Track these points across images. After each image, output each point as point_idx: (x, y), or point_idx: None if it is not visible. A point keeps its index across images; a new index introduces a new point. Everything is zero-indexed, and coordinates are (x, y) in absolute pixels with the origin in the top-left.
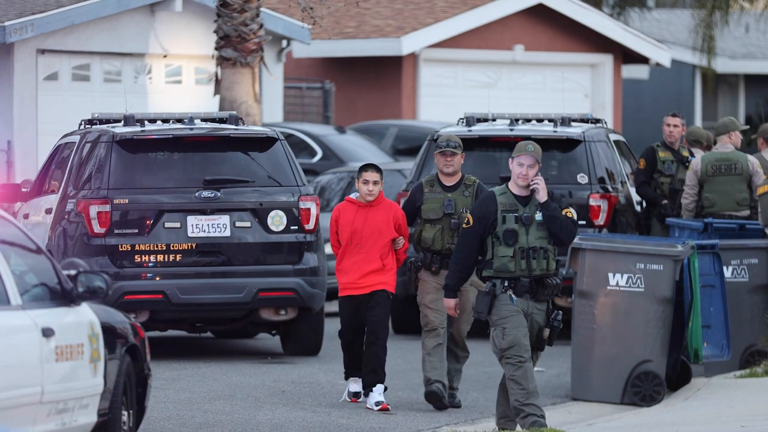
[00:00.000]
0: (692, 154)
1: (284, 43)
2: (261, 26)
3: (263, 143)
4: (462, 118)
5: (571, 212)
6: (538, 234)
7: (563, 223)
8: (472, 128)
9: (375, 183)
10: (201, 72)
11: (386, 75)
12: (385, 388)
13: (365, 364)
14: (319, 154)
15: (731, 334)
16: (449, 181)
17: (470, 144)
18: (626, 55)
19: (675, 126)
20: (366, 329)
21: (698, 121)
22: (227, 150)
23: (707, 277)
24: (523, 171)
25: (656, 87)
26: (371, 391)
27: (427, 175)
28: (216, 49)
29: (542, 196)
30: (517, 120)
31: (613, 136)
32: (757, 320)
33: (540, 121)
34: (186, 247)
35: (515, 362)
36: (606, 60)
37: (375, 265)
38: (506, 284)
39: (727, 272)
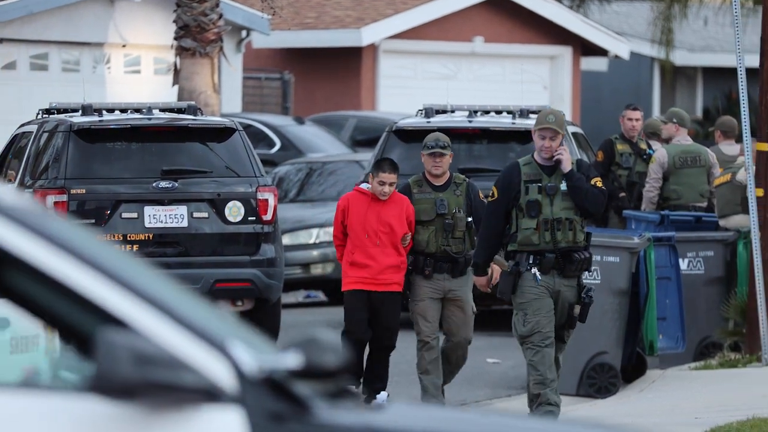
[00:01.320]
0: (650, 147)
1: (244, 33)
2: (220, 16)
3: (221, 134)
4: (421, 110)
5: (600, 182)
6: (563, 205)
7: (589, 192)
8: (431, 120)
9: (391, 185)
10: (160, 62)
11: (346, 66)
12: (388, 395)
13: (373, 368)
14: (278, 145)
15: (686, 327)
16: (438, 181)
17: (427, 134)
18: (585, 48)
19: (636, 120)
20: (377, 333)
21: (656, 114)
22: (185, 140)
23: (663, 269)
24: (546, 143)
25: (615, 79)
26: (374, 397)
27: (414, 175)
28: (175, 39)
29: (566, 165)
30: (476, 112)
31: (571, 128)
32: (712, 312)
33: (499, 112)
34: (143, 238)
35: (535, 348)
36: (565, 52)
37: (393, 260)
38: (531, 260)
39: (683, 264)
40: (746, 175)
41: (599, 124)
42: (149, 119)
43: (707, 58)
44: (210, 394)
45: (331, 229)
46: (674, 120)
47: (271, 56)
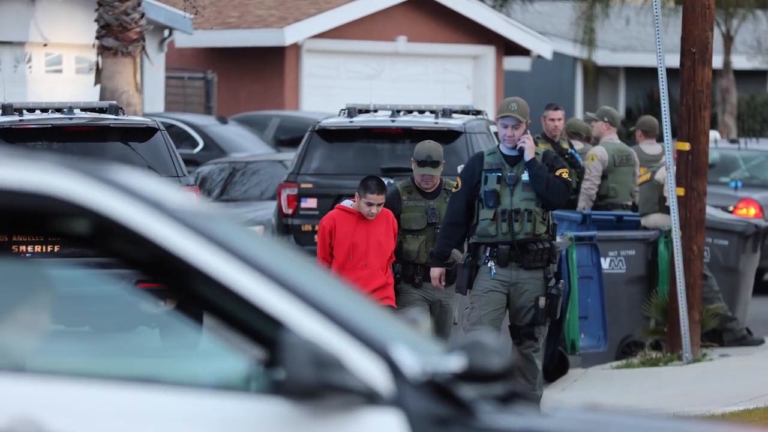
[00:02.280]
0: (572, 146)
1: (166, 32)
2: (143, 15)
3: (143, 133)
4: (344, 109)
5: (566, 173)
6: (524, 195)
7: (551, 183)
8: (354, 119)
9: (379, 205)
10: (82, 61)
11: (269, 65)
12: None
13: None
14: (201, 145)
15: (608, 325)
16: (430, 188)
17: (352, 135)
18: (508, 47)
19: (558, 119)
20: None
21: (579, 113)
22: (107, 140)
23: (585, 268)
24: (508, 132)
25: (538, 79)
26: None
27: (403, 180)
28: (97, 38)
29: (529, 153)
30: (398, 111)
31: (493, 128)
32: (633, 311)
33: (421, 112)
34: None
35: None
36: (488, 52)
37: (379, 281)
38: (487, 253)
39: (605, 263)
40: (665, 174)
41: None
42: (70, 119)
43: (629, 58)
44: (372, 396)
45: (257, 228)
46: (605, 119)
47: (194, 56)
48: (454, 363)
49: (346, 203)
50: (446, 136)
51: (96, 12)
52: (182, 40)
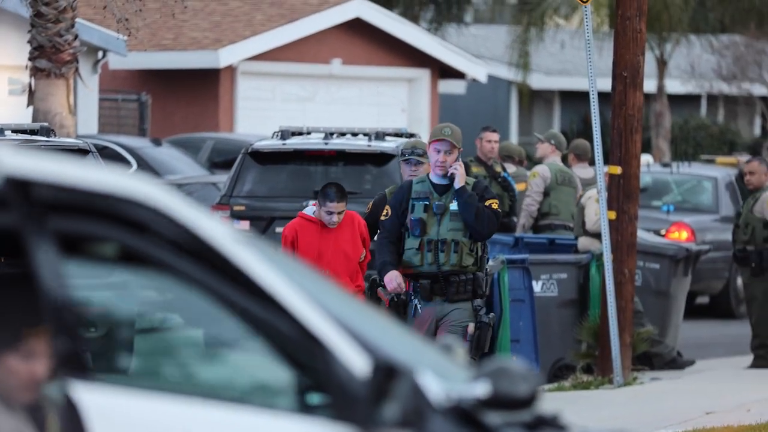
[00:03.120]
0: (504, 169)
1: (100, 54)
2: (76, 37)
3: (74, 155)
4: (277, 132)
5: (496, 204)
6: (452, 225)
7: (480, 213)
8: (287, 142)
9: (340, 214)
10: (15, 83)
11: (204, 87)
12: None
13: None
14: (134, 167)
15: (540, 349)
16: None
17: (285, 157)
18: (443, 70)
19: (495, 142)
20: None
21: (514, 137)
22: None
23: (517, 291)
24: (440, 158)
25: (473, 102)
26: None
27: (392, 185)
28: (30, 59)
29: (459, 181)
30: (331, 134)
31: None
32: (565, 335)
33: (355, 135)
34: None
35: None
36: (423, 75)
37: (348, 290)
38: (411, 288)
39: (537, 287)
40: (588, 197)
41: None
42: (1, 141)
43: (564, 82)
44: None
45: None
46: (552, 141)
47: (128, 77)
48: (480, 389)
49: (308, 210)
50: (379, 159)
51: (29, 33)
52: (116, 61)
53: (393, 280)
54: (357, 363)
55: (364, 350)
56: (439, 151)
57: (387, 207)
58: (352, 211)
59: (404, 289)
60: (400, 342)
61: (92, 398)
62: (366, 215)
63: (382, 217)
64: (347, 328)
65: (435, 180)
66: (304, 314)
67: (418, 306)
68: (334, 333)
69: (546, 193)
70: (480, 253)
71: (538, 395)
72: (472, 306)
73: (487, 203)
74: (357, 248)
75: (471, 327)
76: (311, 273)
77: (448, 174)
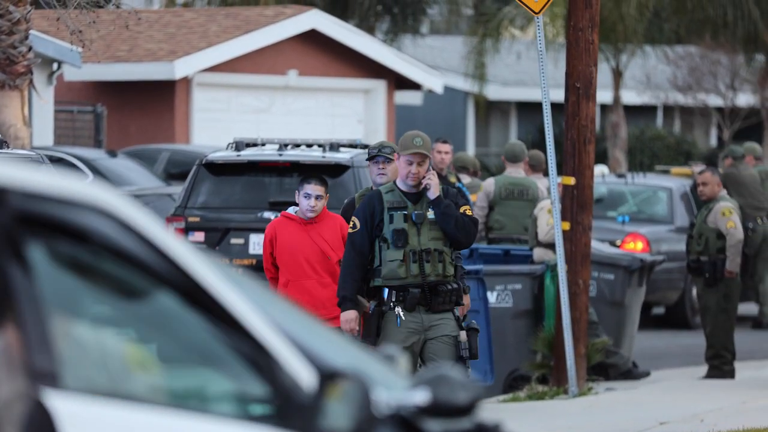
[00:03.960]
0: (459, 180)
1: (55, 66)
2: (30, 49)
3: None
4: (231, 143)
5: (470, 210)
6: (432, 234)
7: (459, 221)
8: (241, 153)
9: (318, 198)
10: None
11: (159, 99)
12: None
13: None
14: (90, 179)
15: (495, 359)
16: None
17: (239, 169)
18: (399, 81)
19: (446, 153)
20: None
21: (470, 147)
22: None
23: (472, 302)
24: (413, 169)
25: (429, 113)
26: None
27: (362, 189)
28: None
29: (434, 191)
30: (286, 145)
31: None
32: (520, 345)
33: (309, 146)
34: None
35: None
36: (379, 86)
37: (331, 291)
38: (394, 297)
39: (492, 297)
40: (539, 208)
41: None
42: None
43: (520, 93)
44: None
45: None
46: (504, 155)
47: (83, 89)
48: (419, 397)
49: (291, 210)
50: (334, 170)
51: None
52: (71, 73)
53: (348, 322)
54: (301, 372)
55: (307, 359)
56: (411, 163)
57: (354, 219)
58: (338, 215)
59: (357, 333)
60: (341, 350)
61: (64, 406)
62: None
63: (350, 230)
64: (290, 337)
65: (404, 188)
66: (252, 326)
67: (401, 315)
68: (278, 342)
69: (491, 207)
70: (456, 263)
71: (478, 403)
72: (454, 315)
73: (461, 210)
74: (338, 249)
75: (463, 335)
76: (259, 287)
77: (423, 185)
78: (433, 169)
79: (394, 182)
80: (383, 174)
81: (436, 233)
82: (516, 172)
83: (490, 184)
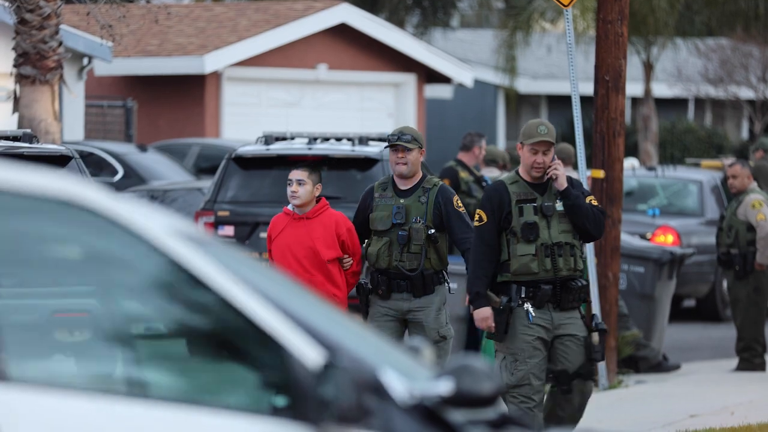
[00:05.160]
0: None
1: (85, 60)
2: (60, 43)
3: (57, 161)
4: (260, 137)
5: (595, 201)
6: (562, 227)
7: (589, 212)
8: (271, 147)
9: (300, 183)
10: (0, 89)
11: (189, 93)
12: None
13: None
14: (120, 173)
15: None
16: (405, 184)
17: (268, 163)
18: (430, 75)
19: (483, 147)
20: None
21: (501, 141)
22: None
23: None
24: (539, 159)
25: (460, 106)
26: None
27: (383, 177)
28: (14, 66)
29: (562, 182)
30: (315, 139)
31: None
32: None
33: (338, 140)
34: None
35: (525, 402)
36: (409, 79)
37: (323, 290)
38: (523, 293)
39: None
40: None
41: (444, 152)
42: None
43: (551, 86)
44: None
45: None
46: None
47: (114, 83)
48: (443, 387)
49: (290, 205)
50: (363, 164)
51: (13, 40)
52: (102, 68)
53: (485, 319)
54: (314, 362)
55: (326, 350)
56: (536, 152)
57: (479, 212)
58: (338, 212)
59: (493, 330)
60: (364, 342)
61: (4, 396)
62: (356, 211)
63: (476, 223)
64: (306, 327)
65: (529, 179)
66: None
67: (531, 311)
68: (290, 331)
69: None
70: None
71: (500, 394)
72: (580, 314)
73: (587, 200)
74: (329, 248)
75: (595, 337)
76: (274, 274)
77: (549, 175)
78: (466, 163)
79: (517, 172)
80: (403, 163)
81: (565, 226)
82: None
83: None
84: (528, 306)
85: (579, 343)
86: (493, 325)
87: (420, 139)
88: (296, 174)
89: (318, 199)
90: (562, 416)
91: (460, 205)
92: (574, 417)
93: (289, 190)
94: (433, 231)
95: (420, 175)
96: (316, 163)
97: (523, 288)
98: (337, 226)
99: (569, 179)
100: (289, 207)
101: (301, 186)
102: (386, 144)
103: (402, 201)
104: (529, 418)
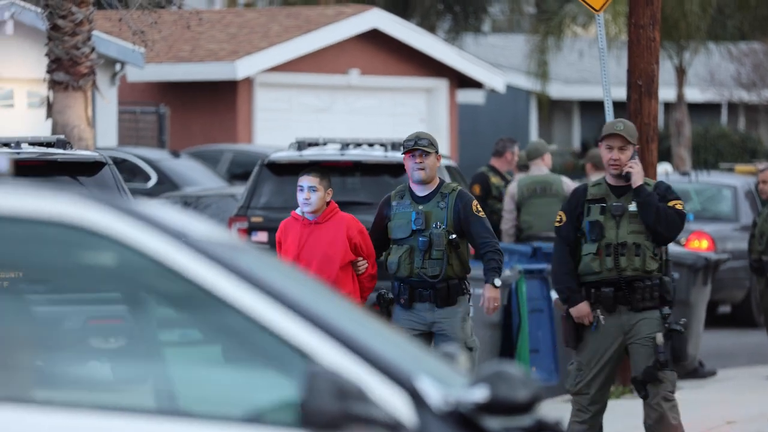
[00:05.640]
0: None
1: (118, 66)
2: (93, 50)
3: (91, 168)
4: (293, 143)
5: (681, 205)
6: (632, 228)
7: (661, 213)
8: (303, 152)
9: (312, 189)
10: (33, 96)
11: (221, 99)
12: None
13: None
14: (154, 179)
15: (560, 358)
16: (423, 190)
17: (301, 168)
18: (461, 80)
19: (516, 153)
20: None
21: None
22: (55, 174)
23: (535, 301)
24: (614, 156)
25: (492, 112)
26: None
27: (400, 184)
28: (48, 72)
29: (636, 180)
30: (347, 144)
31: (443, 161)
32: None
33: (371, 145)
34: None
35: (581, 412)
36: (441, 85)
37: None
38: (593, 299)
39: (556, 296)
40: None
41: (477, 157)
42: (18, 153)
43: (583, 91)
44: (395, 427)
45: None
46: (526, 155)
47: (146, 89)
48: (478, 394)
49: (298, 210)
50: (396, 169)
51: (46, 46)
52: (134, 74)
53: (587, 315)
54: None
55: (362, 359)
56: (611, 149)
57: (560, 213)
58: (348, 215)
59: (591, 321)
60: (399, 349)
61: None
62: (374, 220)
63: (557, 224)
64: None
65: (612, 181)
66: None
67: (601, 318)
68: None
69: (519, 209)
70: (665, 257)
71: (538, 400)
72: (660, 314)
73: (670, 203)
74: (340, 252)
75: (659, 338)
76: (304, 281)
77: (623, 173)
78: (498, 169)
79: (604, 176)
80: (421, 169)
81: (637, 226)
82: (538, 170)
83: (513, 186)
84: (597, 312)
85: (647, 345)
86: (592, 319)
87: (436, 144)
88: (308, 180)
89: (327, 203)
90: (650, 424)
91: (480, 209)
92: (667, 426)
93: (300, 196)
94: (454, 236)
95: (437, 180)
96: (324, 168)
97: (592, 291)
98: (348, 228)
99: (658, 183)
100: (298, 211)
101: (314, 192)
102: (402, 150)
103: (421, 207)
104: (572, 426)
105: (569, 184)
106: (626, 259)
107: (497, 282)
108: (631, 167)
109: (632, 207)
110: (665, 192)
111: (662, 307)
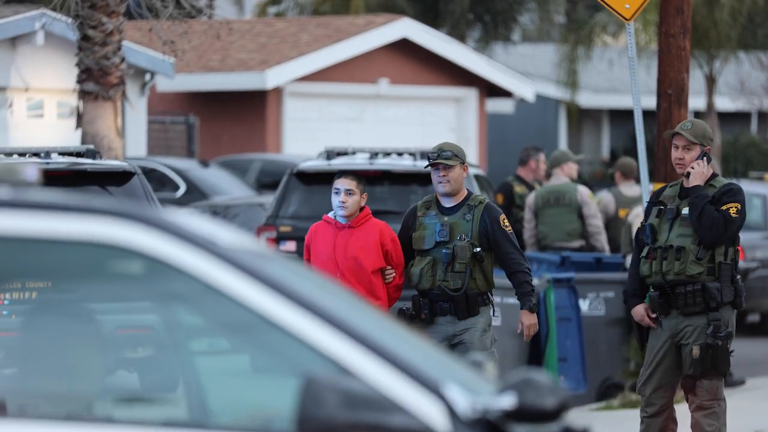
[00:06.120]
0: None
1: (148, 76)
2: (123, 60)
3: (120, 177)
4: (322, 152)
5: (735, 209)
6: (681, 231)
7: (705, 215)
8: (332, 162)
9: (349, 192)
10: (63, 106)
11: (251, 109)
12: None
13: None
14: (183, 189)
15: (588, 368)
16: (450, 202)
17: (330, 178)
18: (491, 89)
19: (542, 161)
20: None
21: None
22: (84, 184)
23: (564, 310)
24: (678, 154)
25: (521, 121)
26: None
27: (427, 195)
28: (78, 82)
29: (692, 180)
30: (377, 154)
31: (471, 170)
32: (613, 353)
33: (400, 154)
34: (41, 284)
35: (640, 411)
36: (470, 94)
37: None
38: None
39: (584, 305)
40: (635, 214)
41: (506, 166)
42: (47, 163)
43: (613, 100)
44: None
45: None
46: (560, 162)
47: (176, 99)
48: (506, 401)
49: (330, 213)
50: (424, 179)
51: (76, 56)
52: (164, 84)
53: (642, 318)
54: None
55: (392, 367)
56: (676, 147)
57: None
58: (382, 222)
59: (651, 324)
60: (426, 357)
61: None
62: (399, 231)
63: (640, 226)
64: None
65: (684, 183)
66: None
67: (661, 319)
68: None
69: (537, 219)
70: (722, 260)
71: (565, 408)
72: (707, 320)
73: (724, 207)
74: (372, 257)
75: (695, 350)
76: (333, 289)
77: (686, 173)
78: (524, 178)
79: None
80: (446, 182)
81: (685, 229)
82: (557, 179)
83: (531, 196)
84: (658, 313)
85: (688, 354)
86: (650, 322)
87: (461, 154)
88: (345, 183)
89: (361, 209)
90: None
91: (507, 224)
92: None
93: (336, 199)
94: (478, 249)
95: (465, 192)
96: (358, 174)
97: (648, 294)
98: (381, 235)
99: (724, 185)
100: (330, 215)
101: (350, 196)
102: (426, 163)
103: (446, 218)
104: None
105: (584, 193)
106: (668, 263)
107: (533, 307)
108: (692, 167)
109: (685, 210)
110: (722, 195)
111: (709, 312)
